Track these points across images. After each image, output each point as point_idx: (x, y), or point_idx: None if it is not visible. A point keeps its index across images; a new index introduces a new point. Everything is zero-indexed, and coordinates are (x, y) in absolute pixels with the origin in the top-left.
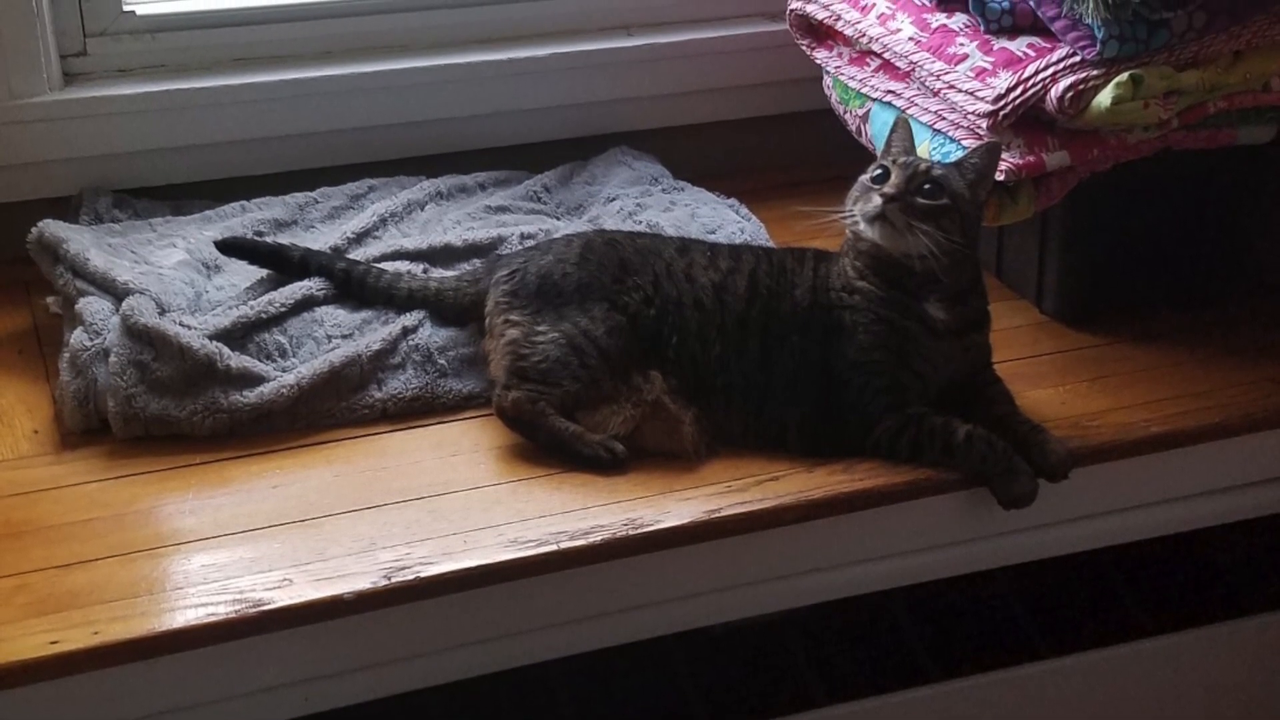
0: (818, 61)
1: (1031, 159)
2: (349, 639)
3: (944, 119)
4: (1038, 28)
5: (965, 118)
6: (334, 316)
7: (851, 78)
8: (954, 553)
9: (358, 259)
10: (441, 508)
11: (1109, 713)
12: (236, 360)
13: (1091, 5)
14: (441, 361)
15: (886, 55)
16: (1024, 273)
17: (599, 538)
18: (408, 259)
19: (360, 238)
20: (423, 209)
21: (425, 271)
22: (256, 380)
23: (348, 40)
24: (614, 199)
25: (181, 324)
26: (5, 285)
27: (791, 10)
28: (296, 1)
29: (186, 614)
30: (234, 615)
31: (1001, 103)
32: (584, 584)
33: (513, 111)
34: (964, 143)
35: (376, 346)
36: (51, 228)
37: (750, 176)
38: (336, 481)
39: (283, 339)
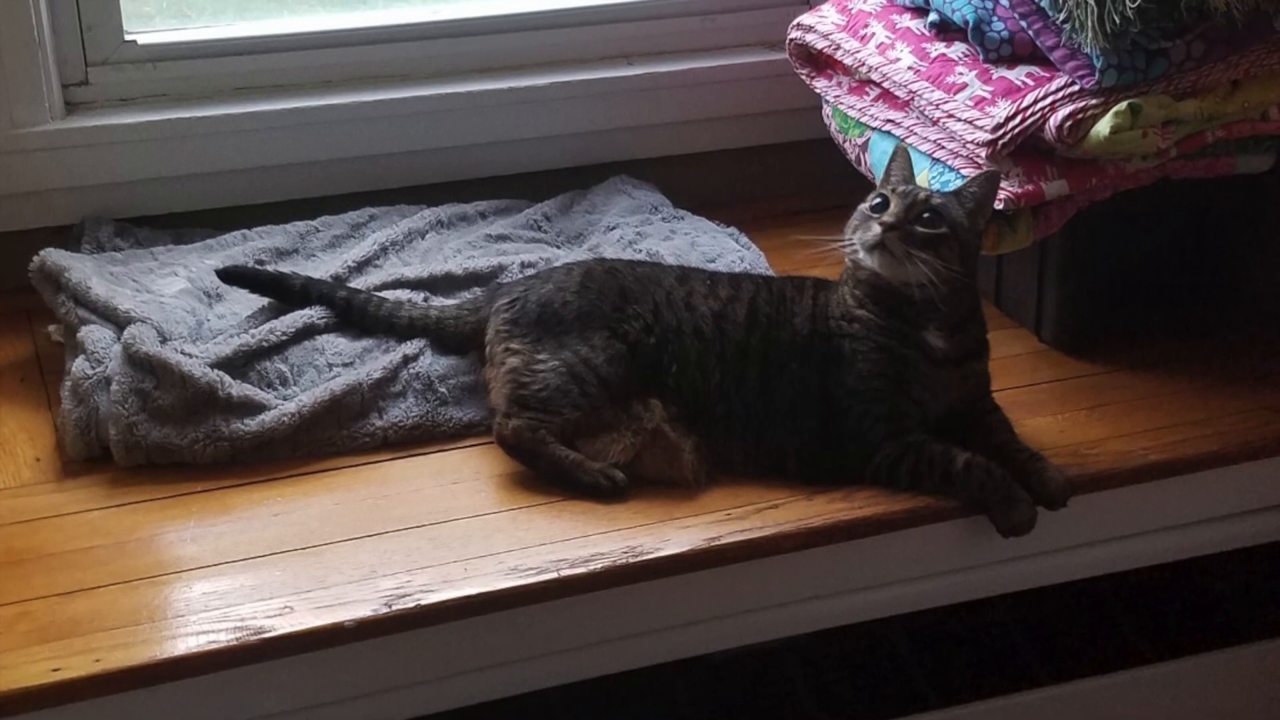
0: (817, 90)
1: (1030, 188)
2: (350, 666)
3: (943, 148)
4: (1036, 57)
5: (964, 146)
6: (335, 345)
7: (851, 107)
8: (953, 580)
9: (359, 288)
10: (442, 535)
11: None
12: (238, 388)
13: (1090, 34)
14: (442, 390)
15: (886, 84)
16: (1023, 301)
17: (599, 565)
18: (408, 287)
19: (361, 266)
20: (423, 237)
21: (426, 300)
22: (258, 408)
23: (348, 69)
24: (614, 227)
25: (183, 352)
26: (7, 313)
27: (791, 39)
28: (297, 31)
29: (188, 641)
30: (235, 643)
31: (1000, 131)
32: (584, 612)
33: (513, 140)
34: (963, 171)
35: (377, 375)
36: (53, 256)
37: (750, 205)
38: (337, 509)
39: (284, 367)
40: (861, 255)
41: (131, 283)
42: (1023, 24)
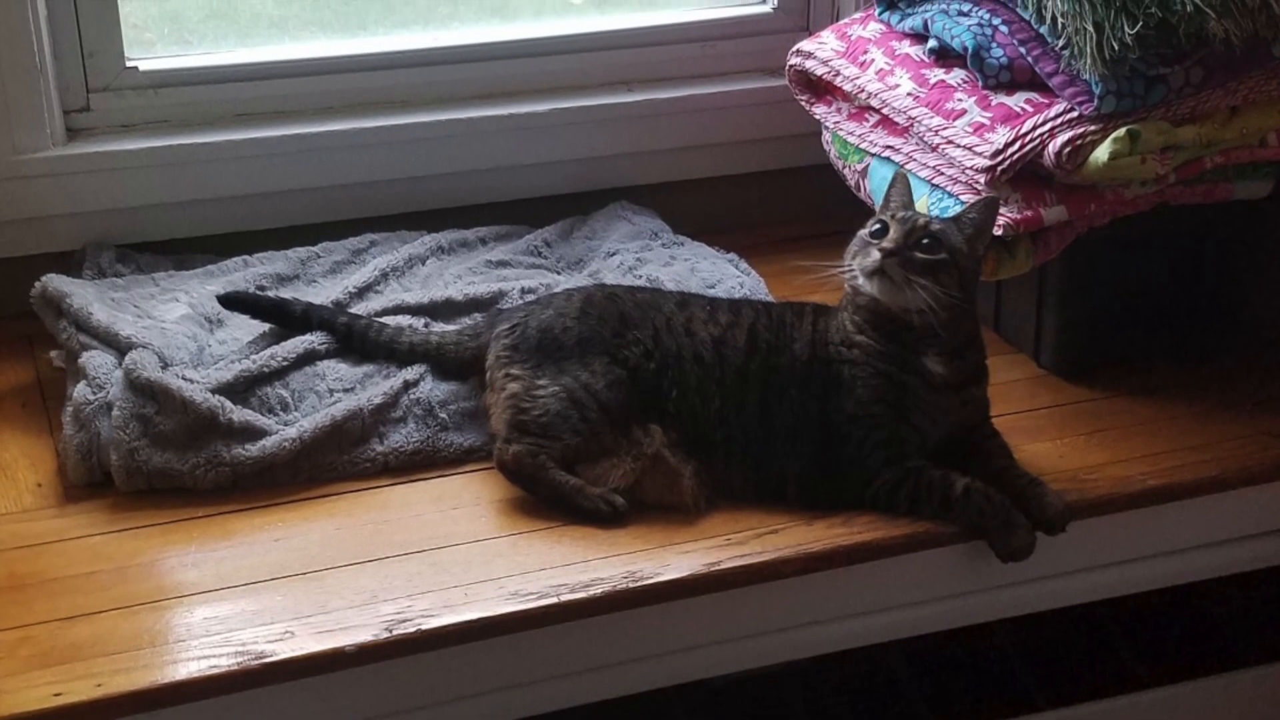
0: (817, 117)
1: (1029, 214)
2: (351, 691)
3: (942, 174)
4: (1035, 83)
5: (963, 173)
6: (336, 370)
7: (850, 133)
8: (952, 605)
9: (359, 313)
10: (443, 560)
11: None
12: (239, 414)
13: (1089, 60)
14: (442, 415)
15: (885, 110)
16: (1022, 327)
17: (599, 590)
18: (409, 313)
19: (362, 292)
20: (424, 263)
21: (426, 326)
22: (259, 434)
23: (349, 96)
24: (614, 254)
25: (184, 378)
26: (9, 339)
27: (791, 66)
28: (298, 57)
29: (189, 666)
30: (236, 667)
31: (999, 158)
32: (584, 636)
33: (513, 166)
34: (962, 197)
35: (378, 400)
36: (55, 282)
37: (749, 231)
38: (338, 534)
39: (285, 393)
40: (861, 281)
41: (133, 308)
42: (1022, 50)
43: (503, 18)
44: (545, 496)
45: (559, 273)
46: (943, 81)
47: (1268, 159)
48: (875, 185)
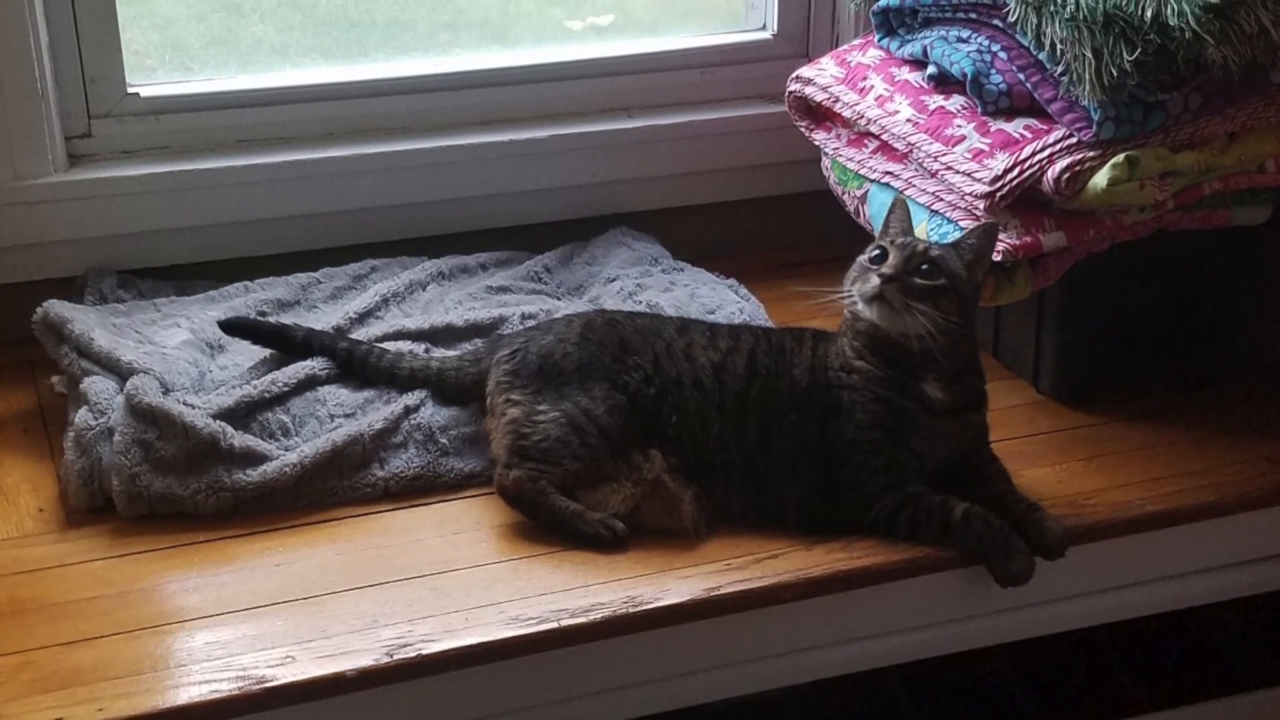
0: (816, 143)
1: (1028, 239)
2: (352, 716)
3: (941, 200)
4: (1035, 109)
5: (963, 198)
6: (336, 396)
7: (850, 159)
8: (951, 630)
9: (360, 339)
10: (443, 585)
11: None
12: (240, 439)
13: (1088, 86)
14: (443, 440)
15: (884, 137)
16: (1021, 352)
17: (599, 615)
18: (410, 339)
19: (362, 318)
20: (424, 289)
21: (427, 351)
22: (260, 459)
23: (350, 122)
24: (614, 279)
25: (185, 403)
26: (11, 365)
27: (790, 92)
28: (299, 84)
29: (190, 691)
30: (237, 692)
31: (999, 184)
32: (584, 661)
33: (514, 193)
34: (961, 223)
35: (379, 425)
36: (56, 308)
37: (749, 257)
38: (339, 559)
39: (286, 418)
40: (860, 307)
41: (134, 334)
42: (1021, 76)
43: (503, 44)
44: (545, 521)
45: (559, 298)
46: (942, 108)
47: (1266, 185)
48: (874, 211)
